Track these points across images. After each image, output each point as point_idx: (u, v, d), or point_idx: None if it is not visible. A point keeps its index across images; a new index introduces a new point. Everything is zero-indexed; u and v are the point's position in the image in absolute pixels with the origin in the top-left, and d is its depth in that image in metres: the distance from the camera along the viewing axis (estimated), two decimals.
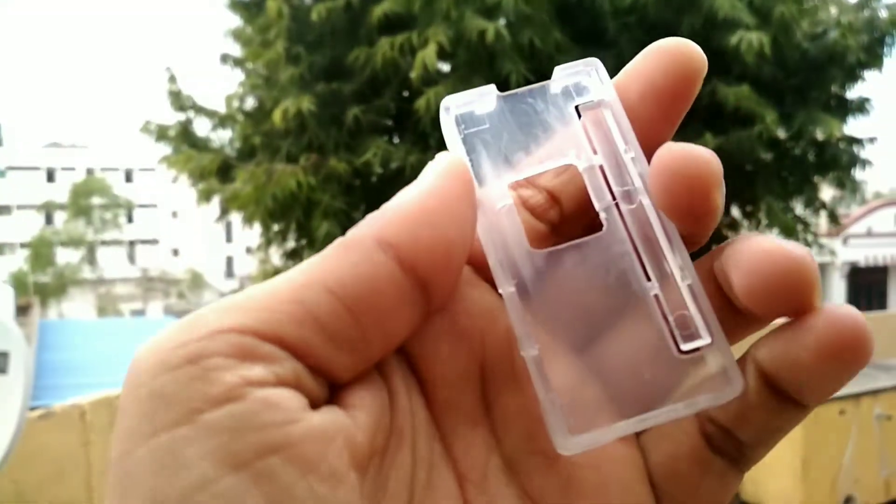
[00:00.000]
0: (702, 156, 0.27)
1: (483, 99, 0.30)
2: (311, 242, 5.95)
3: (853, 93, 5.93)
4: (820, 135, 5.61)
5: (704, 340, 0.27)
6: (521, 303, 0.28)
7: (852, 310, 0.25)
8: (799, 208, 6.33)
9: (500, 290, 0.28)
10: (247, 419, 0.23)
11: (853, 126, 5.94)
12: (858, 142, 5.96)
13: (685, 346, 0.27)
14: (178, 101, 6.60)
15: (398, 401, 0.28)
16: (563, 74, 0.30)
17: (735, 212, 6.28)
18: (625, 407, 0.27)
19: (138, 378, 0.23)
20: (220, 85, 7.42)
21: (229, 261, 33.60)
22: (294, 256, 6.72)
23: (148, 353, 0.24)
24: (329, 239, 5.38)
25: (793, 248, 0.25)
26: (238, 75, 6.65)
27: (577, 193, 0.30)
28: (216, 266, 32.65)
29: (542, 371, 0.27)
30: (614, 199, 0.29)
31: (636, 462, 0.29)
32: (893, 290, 16.58)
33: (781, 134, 5.50)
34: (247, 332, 0.24)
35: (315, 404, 0.25)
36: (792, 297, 0.25)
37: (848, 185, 6.13)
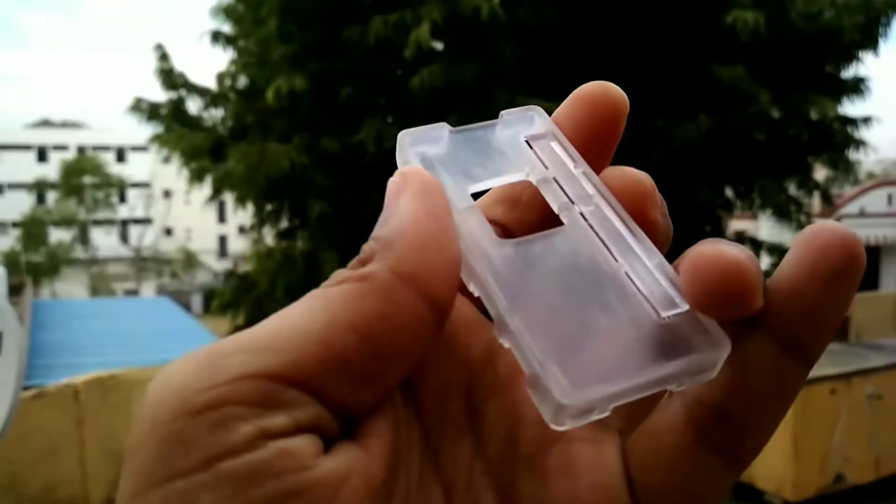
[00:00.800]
0: (637, 177, 0.30)
1: (438, 132, 0.32)
2: (305, 222, 5.94)
3: (847, 73, 5.92)
4: (814, 115, 5.61)
5: (682, 307, 0.27)
6: (496, 284, 0.28)
7: (832, 222, 0.26)
8: (792, 188, 6.34)
9: (472, 286, 0.28)
10: (263, 468, 0.23)
11: (847, 106, 5.91)
12: (852, 122, 5.97)
13: (666, 313, 0.27)
14: (170, 79, 6.56)
15: (399, 419, 0.28)
16: (509, 116, 0.33)
17: (729, 192, 6.29)
18: (614, 379, 0.26)
19: (157, 416, 0.23)
20: (211, 63, 7.37)
21: (222, 240, 33.55)
22: (287, 236, 6.71)
23: (169, 392, 0.24)
24: (322, 219, 5.38)
25: (731, 251, 0.26)
26: (230, 53, 6.60)
27: (524, 220, 0.32)
28: (209, 245, 32.59)
29: (524, 344, 0.26)
30: (572, 202, 0.30)
31: (616, 465, 0.29)
32: (885, 271, 16.66)
33: (776, 114, 5.50)
34: (272, 377, 0.24)
35: (332, 441, 0.25)
36: (733, 300, 0.26)
37: (841, 166, 6.14)
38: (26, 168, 32.41)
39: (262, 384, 0.24)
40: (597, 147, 0.32)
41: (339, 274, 0.27)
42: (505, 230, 0.32)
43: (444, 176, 0.30)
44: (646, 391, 0.26)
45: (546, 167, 0.31)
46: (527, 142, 0.32)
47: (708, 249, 0.26)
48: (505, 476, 0.29)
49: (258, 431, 0.23)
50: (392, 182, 0.29)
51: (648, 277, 0.28)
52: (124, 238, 31.80)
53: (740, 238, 6.32)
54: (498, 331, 0.28)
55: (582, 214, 0.30)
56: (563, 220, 0.30)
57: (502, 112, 0.33)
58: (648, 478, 0.29)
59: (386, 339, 0.25)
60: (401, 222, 0.27)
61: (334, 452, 0.25)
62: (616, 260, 0.29)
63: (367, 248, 0.27)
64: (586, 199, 0.30)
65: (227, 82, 6.68)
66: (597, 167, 0.31)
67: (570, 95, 0.32)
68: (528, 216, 0.32)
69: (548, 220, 0.31)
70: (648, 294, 0.28)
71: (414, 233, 0.27)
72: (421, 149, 0.31)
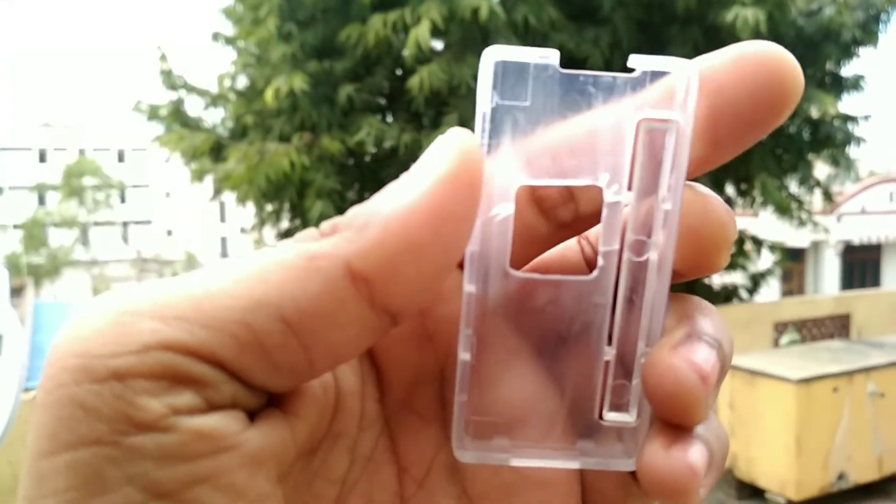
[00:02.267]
0: (720, 219, 0.26)
1: (538, 65, 0.24)
2: (305, 222, 5.93)
3: (848, 70, 5.92)
4: (814, 112, 5.60)
5: (628, 419, 0.27)
6: (476, 310, 0.26)
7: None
8: (793, 186, 6.34)
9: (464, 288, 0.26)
10: (174, 450, 0.21)
11: (848, 104, 5.92)
12: (853, 119, 5.96)
13: (609, 416, 0.27)
14: (170, 80, 6.56)
15: (346, 403, 0.27)
16: (645, 75, 0.25)
17: (729, 189, 6.28)
18: (527, 440, 0.28)
19: (59, 376, 0.22)
20: (211, 64, 7.37)
21: (223, 241, 33.54)
22: (288, 236, 6.65)
23: (72, 351, 0.22)
24: (323, 219, 5.36)
25: (683, 376, 0.25)
26: (230, 54, 6.61)
27: (597, 200, 0.26)
28: (210, 246, 32.60)
29: (465, 377, 0.26)
30: (622, 244, 0.26)
31: (574, 476, 0.29)
32: (887, 268, 16.65)
33: None
34: (182, 351, 0.22)
35: (253, 412, 0.24)
36: (675, 415, 0.25)
37: (842, 163, 6.13)
38: (28, 170, 32.43)
39: (170, 357, 0.22)
40: (737, 135, 0.25)
41: (304, 233, 0.24)
42: (571, 204, 0.27)
43: (504, 150, 0.25)
44: (535, 465, 0.28)
45: (630, 184, 0.25)
46: (639, 127, 0.25)
47: (665, 360, 0.25)
48: (469, 474, 0.29)
49: (166, 409, 0.21)
50: (436, 142, 0.24)
51: (625, 370, 0.27)
52: (125, 239, 31.82)
53: (741, 236, 6.31)
54: (458, 344, 0.26)
55: (623, 263, 0.26)
56: (597, 267, 0.26)
57: (637, 62, 0.25)
58: (594, 494, 0.30)
59: (317, 334, 0.23)
60: (396, 207, 0.23)
61: (258, 426, 0.23)
62: (609, 342, 0.27)
63: (350, 212, 0.24)
64: (641, 247, 0.26)
65: (227, 83, 6.68)
66: (727, 156, 0.26)
67: (735, 53, 0.25)
68: (584, 211, 0.27)
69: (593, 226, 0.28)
70: (609, 392, 0.27)
71: (398, 229, 0.22)
72: (504, 88, 0.25)
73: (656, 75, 0.25)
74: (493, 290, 0.26)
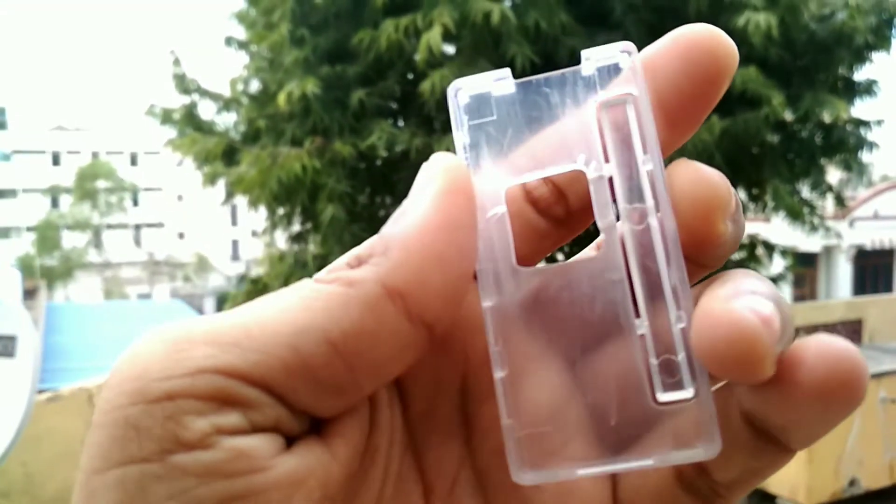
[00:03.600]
0: (711, 180, 0.26)
1: (495, 85, 0.28)
2: (317, 226, 5.94)
3: (860, 75, 5.88)
4: (827, 117, 5.56)
5: (687, 393, 0.25)
6: (499, 321, 0.26)
7: (846, 344, 0.23)
8: (805, 191, 6.29)
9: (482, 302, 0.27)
10: (214, 467, 0.23)
11: (860, 108, 5.88)
12: (865, 124, 5.92)
13: (663, 397, 0.25)
14: (183, 84, 6.58)
15: (379, 417, 0.28)
16: (591, 62, 0.27)
17: (741, 194, 6.25)
18: (588, 450, 0.26)
19: (116, 398, 0.23)
20: (224, 68, 7.40)
21: (235, 244, 33.62)
22: (299, 240, 6.72)
23: (130, 376, 0.24)
24: (334, 223, 5.39)
25: (742, 317, 0.23)
26: (242, 58, 6.63)
27: (585, 190, 0.27)
28: (222, 249, 32.68)
29: (507, 395, 0.26)
30: (619, 216, 0.26)
31: (604, 492, 0.28)
32: None
33: (788, 116, 5.46)
34: (233, 375, 0.23)
35: (295, 439, 0.25)
36: (738, 368, 0.23)
37: (854, 168, 6.09)
38: (41, 172, 32.60)
39: (221, 381, 0.23)
40: (686, 113, 0.27)
41: (334, 267, 0.26)
42: (562, 202, 0.28)
43: (484, 160, 0.27)
44: (607, 473, 0.26)
45: (607, 157, 0.26)
46: (599, 108, 0.27)
47: (719, 309, 0.23)
48: (492, 488, 0.28)
49: (211, 428, 0.23)
50: (424, 168, 0.26)
51: (666, 343, 0.25)
52: (137, 242, 31.92)
53: (753, 241, 6.28)
54: (492, 364, 0.26)
55: (625, 235, 0.26)
56: (602, 241, 0.27)
57: (585, 52, 0.27)
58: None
59: (362, 353, 0.24)
60: (408, 227, 0.25)
61: (295, 452, 0.24)
62: (638, 314, 0.26)
63: (369, 245, 0.26)
64: (639, 213, 0.26)
65: (240, 87, 6.70)
66: (678, 137, 0.27)
67: (670, 36, 0.27)
68: (587, 197, 0.28)
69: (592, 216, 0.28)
70: (656, 367, 0.25)
71: (418, 244, 0.25)
72: (470, 111, 0.28)
73: (602, 61, 0.27)
74: (507, 292, 0.27)
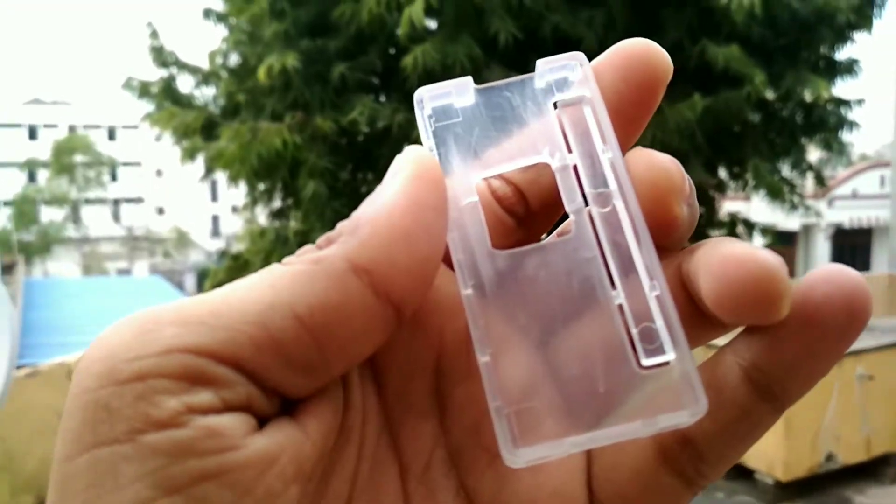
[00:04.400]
0: (664, 166, 0.27)
1: (458, 91, 0.30)
2: (298, 202, 5.92)
3: (842, 54, 5.91)
4: (808, 96, 5.60)
5: (668, 356, 0.25)
6: (479, 305, 0.27)
7: (849, 271, 0.25)
8: (786, 170, 6.34)
9: (461, 289, 0.27)
10: (186, 446, 0.23)
11: (841, 88, 5.92)
12: (846, 103, 5.96)
13: (647, 361, 0.26)
14: (161, 56, 6.50)
15: (352, 397, 0.28)
16: (546, 69, 0.30)
17: (722, 173, 6.29)
18: (577, 420, 0.26)
19: (86, 381, 0.23)
20: (203, 41, 7.30)
21: (215, 220, 33.43)
22: (280, 216, 6.69)
23: (99, 358, 0.24)
24: (315, 198, 5.37)
25: (765, 256, 0.24)
26: (221, 31, 6.55)
27: (542, 191, 0.30)
28: (202, 225, 32.50)
29: (492, 378, 0.26)
30: (586, 201, 0.28)
31: (579, 467, 0.29)
32: (877, 252, 16.71)
33: (770, 95, 5.49)
34: (202, 353, 0.23)
35: (266, 419, 0.25)
36: (761, 306, 0.24)
37: (835, 147, 6.13)
38: (18, 146, 32.18)
39: (191, 359, 0.23)
40: (629, 115, 0.29)
41: (304, 250, 0.27)
42: (522, 202, 0.30)
43: (454, 157, 0.29)
44: (599, 444, 0.26)
45: (570, 149, 0.28)
46: (557, 107, 0.29)
47: (739, 250, 0.24)
48: (465, 466, 0.29)
49: (183, 407, 0.23)
50: (395, 160, 0.27)
51: (643, 312, 0.26)
52: (116, 217, 31.67)
53: (733, 220, 6.32)
54: (475, 349, 0.27)
55: (592, 218, 0.27)
56: (572, 224, 0.28)
57: (539, 62, 0.30)
58: (608, 489, 0.28)
59: (329, 329, 0.25)
60: (377, 208, 0.26)
61: (267, 432, 0.24)
62: (613, 286, 0.27)
63: (339, 226, 0.27)
64: (604, 197, 0.27)
65: (219, 60, 6.63)
66: (626, 138, 0.29)
67: (610, 50, 0.29)
68: (546, 197, 0.30)
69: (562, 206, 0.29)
70: (637, 335, 0.26)
71: (386, 222, 0.25)
72: (436, 114, 0.30)
73: (556, 70, 0.30)
74: (485, 276, 0.27)
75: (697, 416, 0.25)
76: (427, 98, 0.30)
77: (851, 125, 5.99)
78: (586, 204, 0.28)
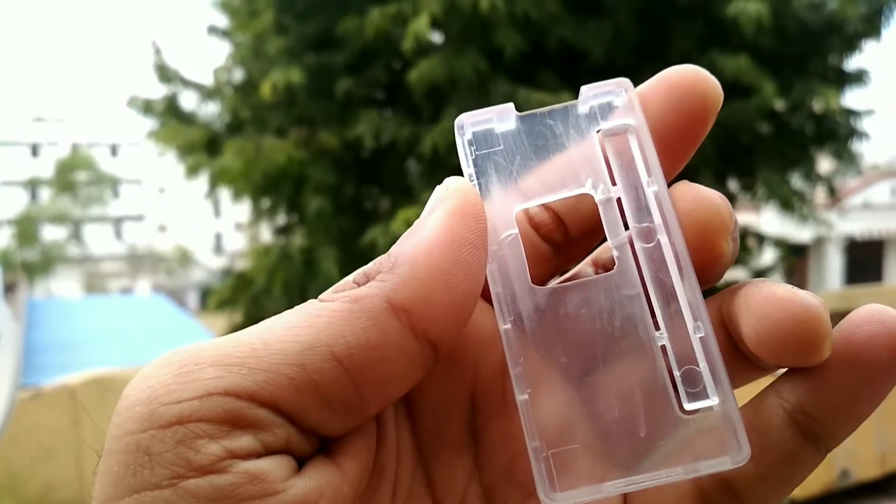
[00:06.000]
0: (712, 202, 0.27)
1: (499, 118, 0.29)
2: (302, 218, 5.89)
3: (851, 64, 5.90)
4: (818, 107, 5.58)
5: (712, 401, 0.25)
6: (518, 340, 0.26)
7: (887, 310, 0.25)
8: (796, 181, 6.32)
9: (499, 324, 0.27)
10: (228, 492, 0.23)
11: (851, 98, 5.92)
12: (856, 114, 5.94)
13: (690, 406, 0.25)
14: (165, 74, 6.49)
15: (386, 434, 0.27)
16: (590, 95, 0.29)
17: (732, 185, 6.26)
18: (616, 463, 0.26)
19: (127, 423, 0.23)
20: (207, 57, 7.32)
21: (218, 237, 33.48)
22: (285, 232, 6.67)
23: (139, 400, 0.23)
24: (320, 214, 5.34)
25: (807, 297, 0.24)
26: (226, 47, 6.56)
27: (583, 219, 0.30)
28: (205, 242, 32.54)
29: (530, 417, 0.26)
30: (630, 236, 0.27)
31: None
32: (889, 264, 16.69)
33: (779, 106, 5.48)
34: (242, 396, 0.24)
35: (304, 459, 0.25)
36: (803, 347, 0.24)
37: (845, 158, 6.12)
38: (20, 164, 32.30)
39: (231, 402, 0.23)
40: (675, 146, 0.29)
41: (341, 285, 0.26)
42: (561, 229, 0.30)
43: (494, 186, 0.28)
44: (638, 488, 0.25)
45: (613, 181, 0.28)
46: (602, 136, 0.28)
47: (781, 291, 0.25)
48: (500, 499, 0.28)
49: (224, 452, 0.23)
50: (436, 190, 0.27)
51: (687, 354, 0.25)
52: (118, 235, 31.76)
53: (743, 233, 6.29)
54: (514, 386, 0.26)
55: (636, 254, 0.27)
56: (615, 260, 0.27)
57: (584, 87, 0.29)
58: None
59: (368, 369, 0.24)
60: (416, 245, 0.25)
61: (306, 473, 0.24)
62: (657, 326, 0.26)
63: (377, 262, 0.26)
64: (648, 232, 0.27)
65: (223, 76, 6.63)
66: (671, 168, 0.28)
67: (657, 77, 0.29)
68: (585, 225, 0.30)
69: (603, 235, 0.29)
70: (680, 378, 0.25)
71: (425, 260, 0.25)
72: (476, 141, 0.29)
73: (600, 95, 0.29)
74: (525, 312, 0.26)
75: (740, 463, 0.24)
76: (468, 124, 0.30)
77: (862, 135, 5.96)
78: (630, 237, 0.27)
